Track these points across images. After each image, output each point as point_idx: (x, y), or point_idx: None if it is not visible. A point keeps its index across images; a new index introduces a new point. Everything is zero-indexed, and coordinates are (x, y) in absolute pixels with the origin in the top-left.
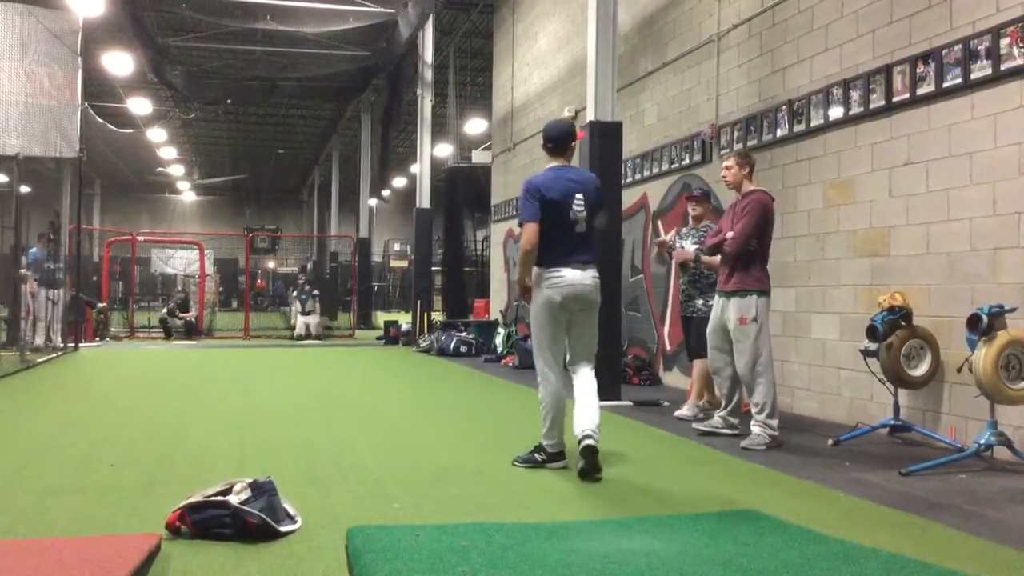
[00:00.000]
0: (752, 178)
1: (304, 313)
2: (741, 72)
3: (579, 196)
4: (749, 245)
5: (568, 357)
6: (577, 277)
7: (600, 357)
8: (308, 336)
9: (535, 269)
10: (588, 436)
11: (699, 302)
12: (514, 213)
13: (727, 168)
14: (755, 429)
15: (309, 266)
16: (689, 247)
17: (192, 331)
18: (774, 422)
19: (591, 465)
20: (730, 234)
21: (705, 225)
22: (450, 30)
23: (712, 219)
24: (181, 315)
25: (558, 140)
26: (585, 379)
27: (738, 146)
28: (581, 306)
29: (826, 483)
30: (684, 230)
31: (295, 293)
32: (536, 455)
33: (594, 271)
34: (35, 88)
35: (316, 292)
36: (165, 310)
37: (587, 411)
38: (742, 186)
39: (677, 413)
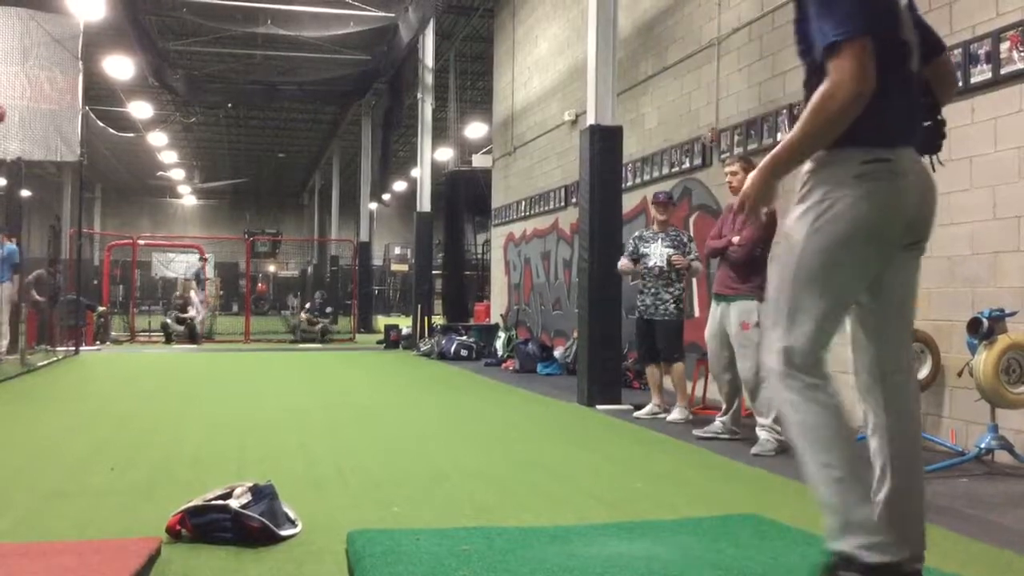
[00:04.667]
0: None
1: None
2: (741, 76)
3: None
4: (755, 252)
5: (865, 357)
6: (922, 170)
7: (600, 359)
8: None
9: (822, 155)
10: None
11: (671, 306)
12: (514, 217)
13: (733, 174)
14: (762, 435)
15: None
16: (662, 250)
17: (195, 334)
18: (780, 426)
19: None
20: (735, 239)
21: (675, 229)
22: (450, 34)
23: (677, 223)
24: (182, 316)
25: None
26: (903, 413)
27: (738, 150)
28: (914, 237)
29: None
30: (647, 233)
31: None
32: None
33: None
34: (36, 92)
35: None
36: (171, 315)
37: (909, 499)
38: None
39: (669, 418)
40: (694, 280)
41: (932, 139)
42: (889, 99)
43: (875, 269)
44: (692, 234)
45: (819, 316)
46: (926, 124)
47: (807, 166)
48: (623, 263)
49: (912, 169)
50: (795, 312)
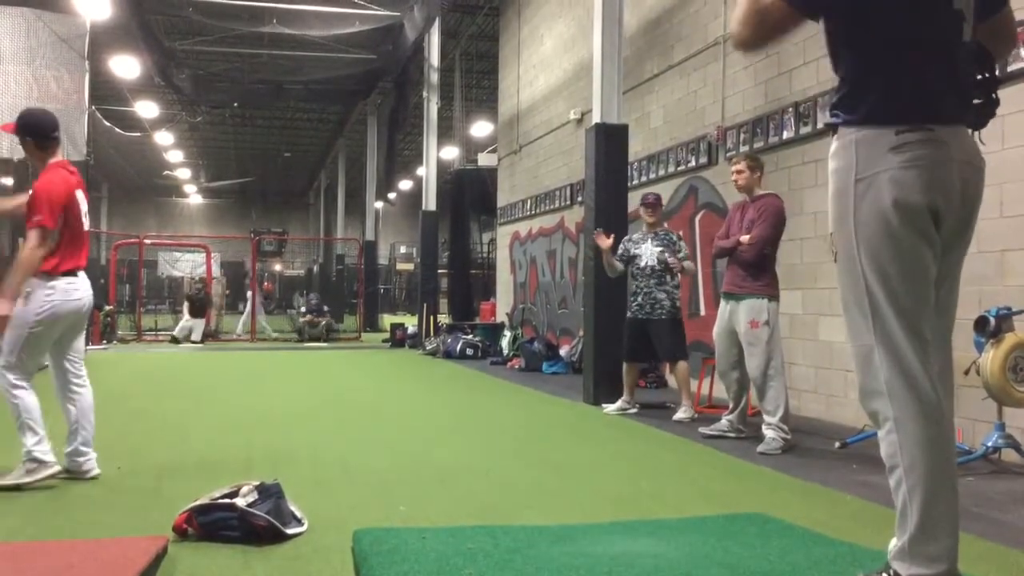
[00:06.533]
0: (761, 181)
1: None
2: (747, 74)
3: None
4: (765, 250)
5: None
6: (968, 145)
7: (605, 358)
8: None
9: (852, 135)
10: None
11: (667, 303)
12: (520, 216)
13: (739, 172)
14: (769, 433)
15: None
16: (652, 250)
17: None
18: (786, 425)
19: None
20: (744, 238)
21: (664, 230)
22: (456, 33)
23: (683, 222)
24: (196, 309)
25: None
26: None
27: (744, 148)
28: (961, 223)
29: (833, 485)
30: (636, 235)
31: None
32: None
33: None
34: (43, 92)
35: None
36: (187, 299)
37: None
38: (753, 190)
39: (675, 417)
40: (699, 279)
41: (980, 116)
42: (924, 74)
43: (930, 258)
44: (698, 232)
45: (899, 315)
46: (978, 102)
47: (833, 146)
48: (612, 260)
49: (960, 146)
50: (875, 317)
